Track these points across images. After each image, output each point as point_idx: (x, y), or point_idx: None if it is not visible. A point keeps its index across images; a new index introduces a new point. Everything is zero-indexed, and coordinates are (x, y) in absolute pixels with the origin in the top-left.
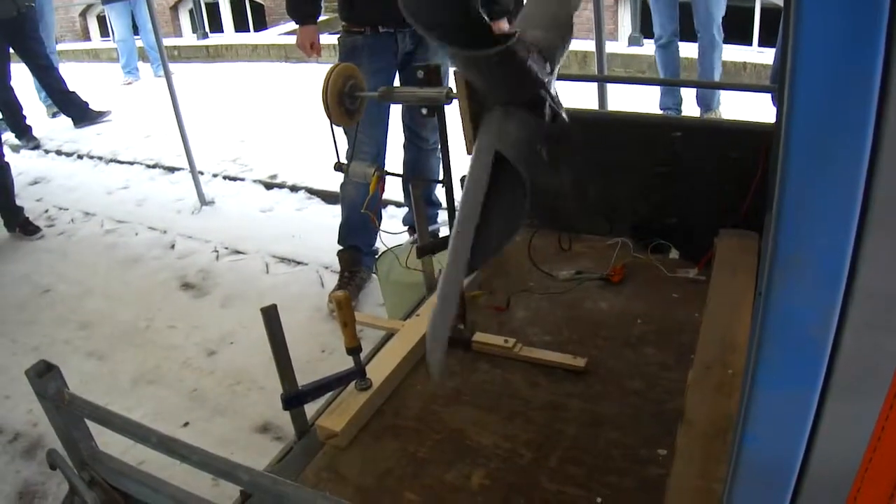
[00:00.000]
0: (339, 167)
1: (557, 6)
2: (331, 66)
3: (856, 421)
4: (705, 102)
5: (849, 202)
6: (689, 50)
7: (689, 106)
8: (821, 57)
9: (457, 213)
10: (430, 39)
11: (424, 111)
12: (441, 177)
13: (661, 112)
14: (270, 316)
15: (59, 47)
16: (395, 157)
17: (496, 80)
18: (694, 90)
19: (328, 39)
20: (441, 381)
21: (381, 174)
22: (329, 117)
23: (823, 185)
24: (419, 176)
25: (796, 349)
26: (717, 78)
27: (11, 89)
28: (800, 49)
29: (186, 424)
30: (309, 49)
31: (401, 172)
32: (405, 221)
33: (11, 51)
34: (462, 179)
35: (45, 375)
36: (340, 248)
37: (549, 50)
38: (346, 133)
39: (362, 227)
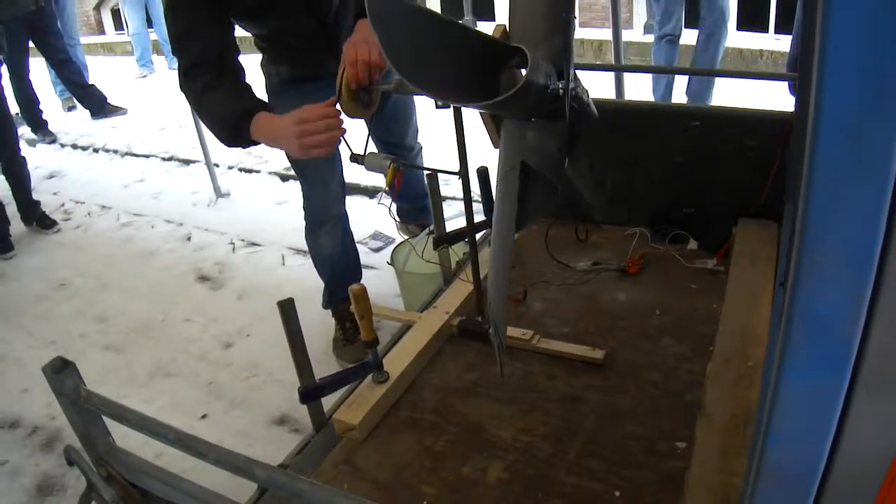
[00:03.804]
0: (354, 158)
1: (547, 7)
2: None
3: (885, 419)
4: (701, 97)
5: (879, 194)
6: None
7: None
8: (853, 43)
9: (492, 231)
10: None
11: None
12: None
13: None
14: (287, 310)
15: None
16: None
17: (514, 110)
18: (684, 84)
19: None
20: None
21: (398, 166)
22: (343, 111)
23: (853, 177)
24: (411, 183)
25: (822, 345)
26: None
27: (30, 83)
28: (831, 35)
29: (204, 417)
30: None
31: (417, 164)
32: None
33: (31, 45)
34: (479, 171)
35: (61, 372)
36: (330, 304)
37: (557, 58)
38: None
39: (348, 276)
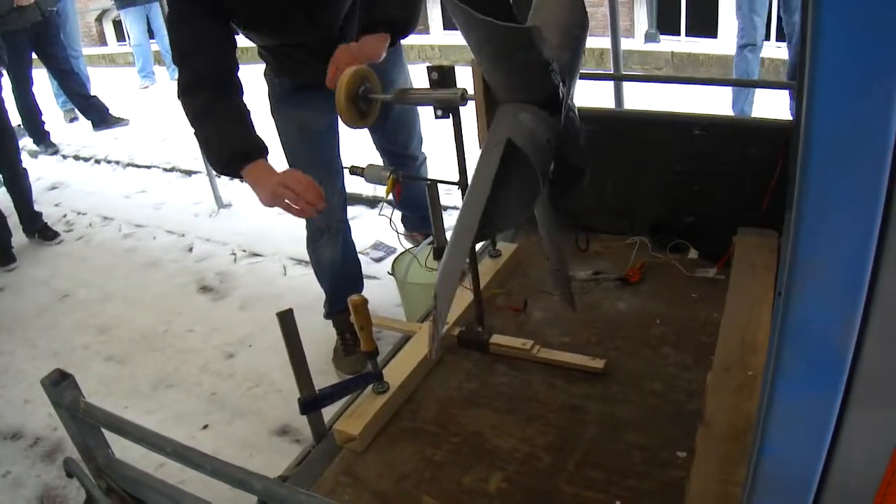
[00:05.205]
0: (354, 171)
1: (566, 22)
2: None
3: (879, 430)
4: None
5: (871, 205)
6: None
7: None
8: (842, 56)
9: (461, 210)
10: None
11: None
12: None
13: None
14: (286, 321)
15: None
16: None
17: (518, 71)
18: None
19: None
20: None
21: (397, 177)
22: (342, 119)
23: (845, 188)
24: (414, 193)
25: (816, 356)
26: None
27: (33, 95)
28: (820, 48)
29: (206, 427)
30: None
31: (419, 175)
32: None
33: (33, 56)
34: None
35: (60, 384)
36: (331, 314)
37: (563, 69)
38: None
39: (349, 286)
